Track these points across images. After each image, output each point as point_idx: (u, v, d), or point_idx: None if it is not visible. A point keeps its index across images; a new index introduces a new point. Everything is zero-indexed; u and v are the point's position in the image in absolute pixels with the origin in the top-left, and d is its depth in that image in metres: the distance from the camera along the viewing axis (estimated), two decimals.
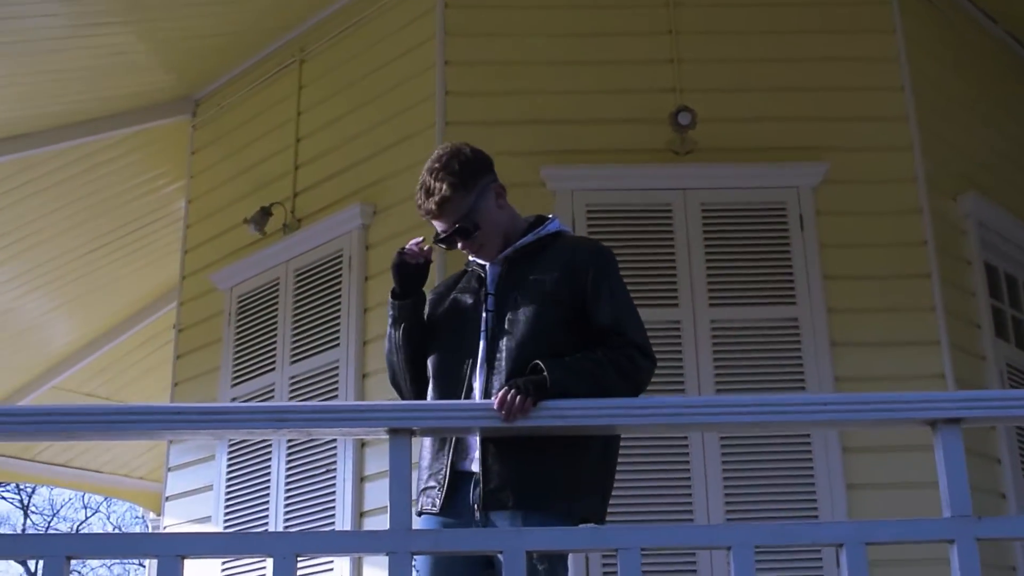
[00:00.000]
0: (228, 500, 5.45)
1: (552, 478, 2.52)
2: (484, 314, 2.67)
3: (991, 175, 5.57)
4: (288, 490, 5.17)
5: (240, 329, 5.72)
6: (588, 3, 5.27)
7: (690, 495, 4.46)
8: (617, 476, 2.69)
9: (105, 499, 23.64)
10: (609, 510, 2.67)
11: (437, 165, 2.69)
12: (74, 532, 24.39)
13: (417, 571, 2.56)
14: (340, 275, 5.28)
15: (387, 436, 2.35)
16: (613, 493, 2.68)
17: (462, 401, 2.60)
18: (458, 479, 2.59)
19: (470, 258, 2.81)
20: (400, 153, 5.20)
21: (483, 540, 2.42)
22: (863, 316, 4.75)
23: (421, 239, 2.72)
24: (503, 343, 2.61)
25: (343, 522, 4.87)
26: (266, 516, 5.22)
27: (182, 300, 6.31)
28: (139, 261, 7.84)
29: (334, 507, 4.95)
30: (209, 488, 5.60)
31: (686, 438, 4.49)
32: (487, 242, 2.72)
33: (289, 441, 5.17)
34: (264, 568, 5.13)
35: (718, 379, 4.61)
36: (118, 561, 22.59)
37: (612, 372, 2.55)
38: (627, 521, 3.59)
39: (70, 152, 6.52)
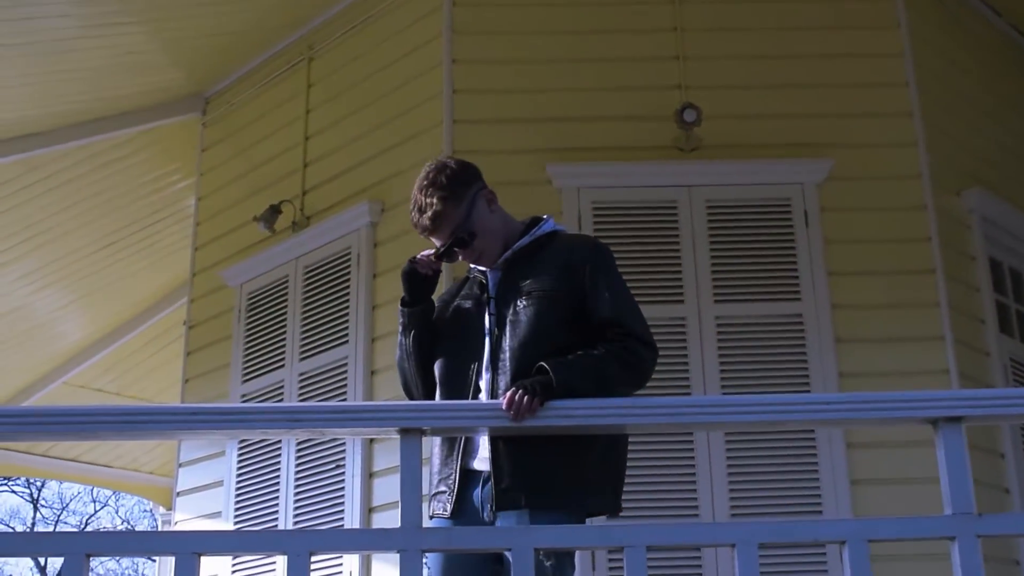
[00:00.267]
0: (238, 496, 5.51)
1: (560, 476, 2.57)
2: (487, 317, 2.73)
3: (995, 170, 5.58)
4: (298, 486, 5.22)
5: (250, 326, 5.77)
6: (594, 1, 5.30)
7: (695, 491, 4.51)
8: None
9: (114, 493, 23.79)
10: None
11: (425, 182, 2.75)
12: (83, 528, 24.55)
13: (428, 567, 2.61)
14: (349, 272, 5.32)
15: (398, 436, 2.40)
16: None
17: (471, 401, 2.66)
18: (466, 477, 2.66)
19: (471, 265, 2.86)
20: (408, 151, 5.24)
21: (492, 538, 2.47)
22: (867, 312, 4.78)
23: (432, 251, 2.77)
24: (506, 344, 2.66)
25: (352, 517, 4.92)
26: (276, 511, 5.27)
27: (192, 297, 6.35)
28: (149, 258, 7.90)
29: (343, 502, 5.00)
30: (220, 484, 5.66)
31: (691, 435, 4.53)
32: (486, 248, 2.78)
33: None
34: (274, 564, 5.18)
35: (723, 375, 4.65)
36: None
37: (615, 365, 2.60)
38: (632, 518, 3.63)
39: (80, 151, 6.57)
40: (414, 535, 2.30)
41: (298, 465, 5.24)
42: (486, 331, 2.72)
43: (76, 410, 2.46)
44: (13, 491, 24.81)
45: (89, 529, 24.77)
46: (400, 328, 2.82)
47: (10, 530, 24.08)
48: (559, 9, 5.29)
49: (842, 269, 4.83)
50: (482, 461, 2.64)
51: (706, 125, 4.89)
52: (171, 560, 2.23)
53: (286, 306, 5.57)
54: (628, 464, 2.75)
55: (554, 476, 2.57)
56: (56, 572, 23.93)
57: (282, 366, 5.51)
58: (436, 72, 5.20)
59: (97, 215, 7.23)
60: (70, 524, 25.40)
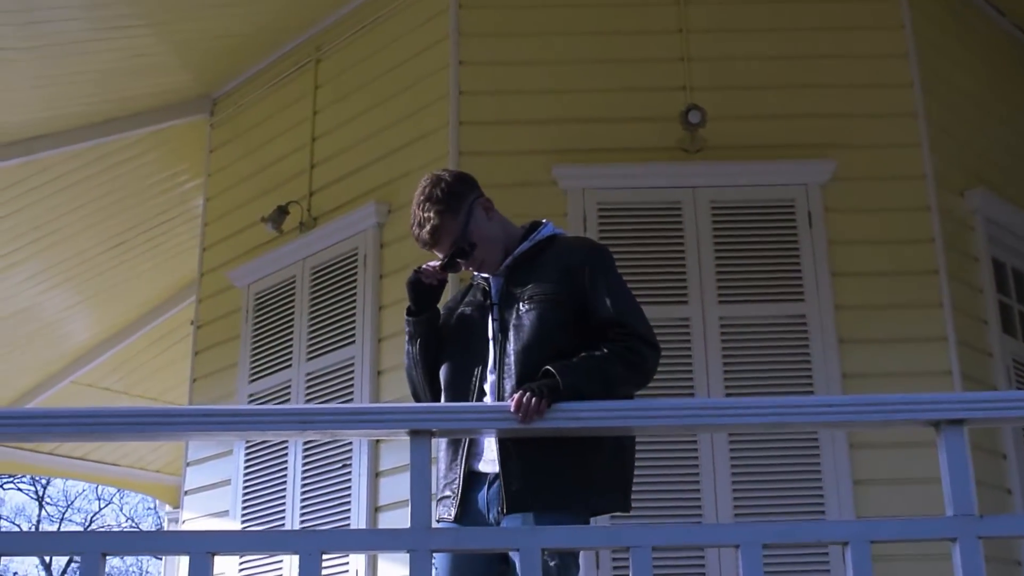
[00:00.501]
0: (246, 495, 5.54)
1: (569, 477, 2.61)
2: (491, 323, 2.77)
3: (999, 171, 5.59)
4: (304, 485, 5.26)
5: (257, 326, 5.80)
6: (599, 2, 5.32)
7: (699, 491, 4.54)
8: None
9: (119, 491, 23.85)
10: None
11: (422, 197, 2.79)
12: (88, 526, 24.61)
13: (436, 568, 2.65)
14: (355, 273, 5.36)
15: (407, 437, 2.43)
16: None
17: (480, 403, 2.70)
18: (470, 479, 2.70)
19: (474, 273, 2.90)
20: (414, 152, 5.27)
21: (500, 538, 2.51)
22: (871, 312, 4.80)
23: (437, 263, 2.81)
24: (511, 348, 2.70)
25: (359, 516, 4.96)
26: (283, 511, 5.31)
27: (200, 297, 6.38)
28: (156, 258, 7.94)
29: (350, 502, 5.03)
30: (227, 483, 5.69)
31: (695, 436, 4.56)
32: (487, 256, 2.82)
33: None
34: (281, 564, 5.22)
35: (727, 375, 4.67)
36: None
37: (619, 365, 2.63)
38: (636, 518, 3.66)
39: (89, 152, 6.61)
40: (424, 535, 2.33)
41: (305, 464, 5.28)
42: (490, 336, 2.76)
43: (88, 412, 2.49)
44: (19, 488, 24.92)
45: (94, 527, 24.86)
46: (407, 337, 2.86)
47: (15, 528, 24.17)
48: (564, 11, 5.31)
49: (846, 270, 4.85)
50: (487, 463, 2.68)
51: (710, 126, 4.91)
52: (177, 558, 2.28)
53: (293, 306, 5.61)
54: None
55: (563, 478, 2.60)
56: (60, 571, 24.03)
57: (289, 366, 5.54)
58: (443, 74, 5.23)
59: (105, 216, 7.27)
60: (75, 522, 25.49)
